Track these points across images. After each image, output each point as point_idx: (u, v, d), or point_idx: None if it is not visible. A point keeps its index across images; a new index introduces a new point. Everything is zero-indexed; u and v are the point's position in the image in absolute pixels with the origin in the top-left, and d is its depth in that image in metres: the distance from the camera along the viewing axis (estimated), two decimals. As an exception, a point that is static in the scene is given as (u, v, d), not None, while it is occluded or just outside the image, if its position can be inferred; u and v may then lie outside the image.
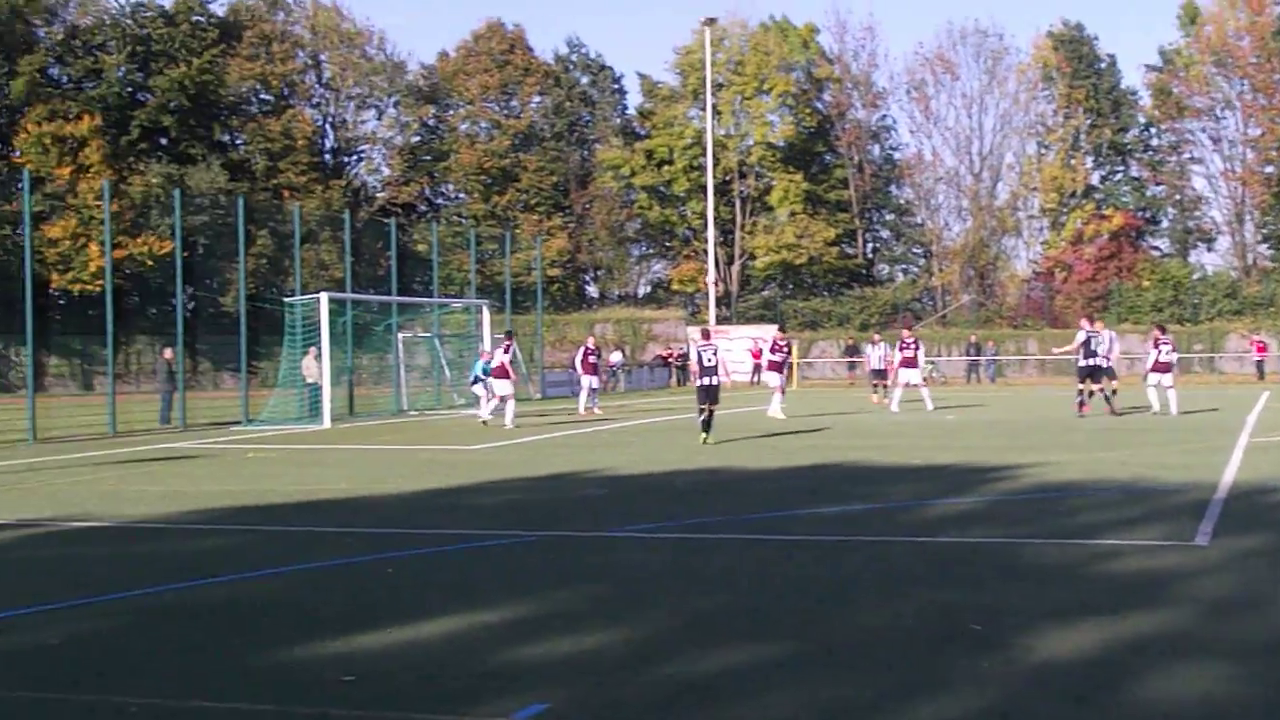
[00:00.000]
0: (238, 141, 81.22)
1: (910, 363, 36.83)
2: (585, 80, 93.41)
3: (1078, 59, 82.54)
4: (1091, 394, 32.27)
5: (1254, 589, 10.03)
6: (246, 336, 38.57)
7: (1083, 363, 32.18)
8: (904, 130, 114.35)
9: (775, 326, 40.89)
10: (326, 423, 33.93)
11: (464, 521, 14.56)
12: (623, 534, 13.22)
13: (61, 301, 71.78)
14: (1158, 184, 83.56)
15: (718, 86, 77.69)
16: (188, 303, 62.96)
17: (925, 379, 37.33)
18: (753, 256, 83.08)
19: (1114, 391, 32.91)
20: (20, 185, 40.89)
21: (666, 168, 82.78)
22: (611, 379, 57.53)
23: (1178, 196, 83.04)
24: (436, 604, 9.71)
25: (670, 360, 68.31)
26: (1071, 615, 8.87)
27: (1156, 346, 32.40)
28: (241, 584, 10.83)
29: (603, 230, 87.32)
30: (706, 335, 27.79)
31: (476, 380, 35.93)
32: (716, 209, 73.52)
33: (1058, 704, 6.92)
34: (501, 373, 31.94)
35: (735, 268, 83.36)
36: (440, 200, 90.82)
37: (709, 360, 25.48)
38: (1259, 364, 62.81)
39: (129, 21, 77.67)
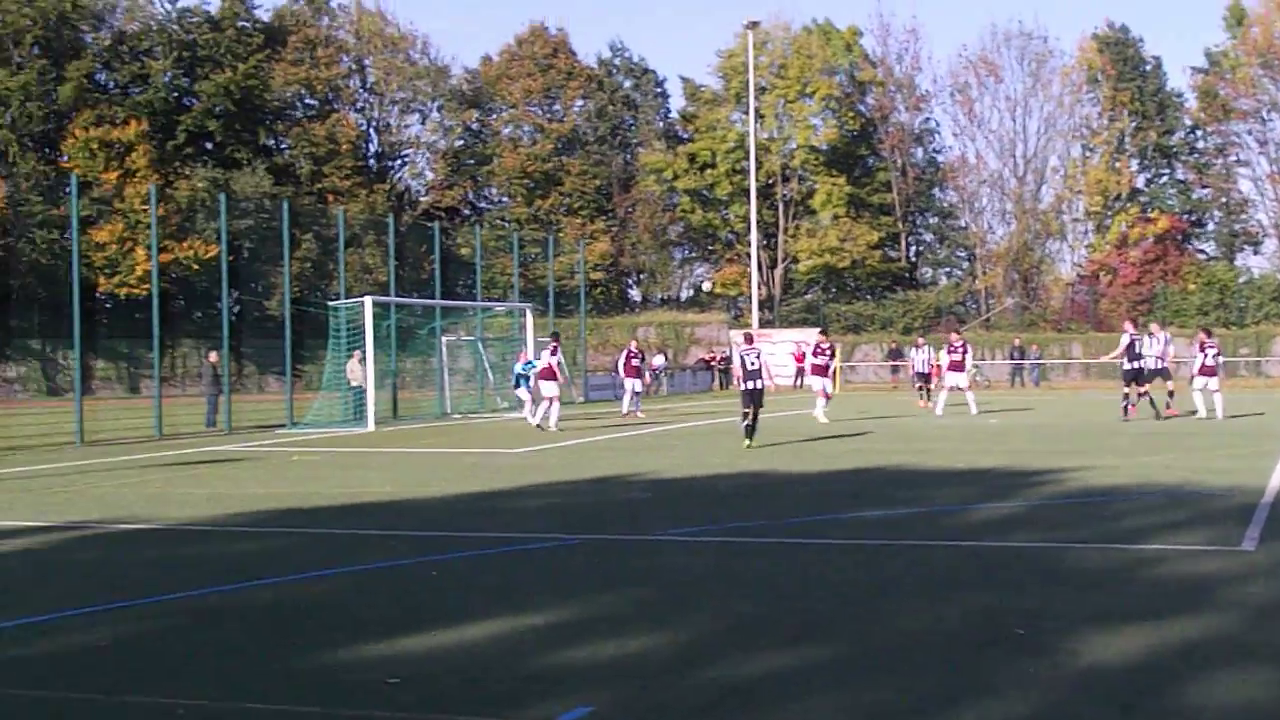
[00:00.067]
0: (282, 146, 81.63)
1: (958, 366, 36.70)
2: (628, 84, 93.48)
3: (1123, 61, 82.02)
4: (1140, 396, 32.11)
5: (1301, 595, 9.96)
6: (291, 340, 38.72)
7: (1127, 366, 32.03)
8: (947, 133, 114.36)
9: (818, 330, 40.79)
10: (370, 426, 34.03)
11: (507, 525, 14.58)
12: (666, 537, 13.22)
13: (108, 305, 72.27)
14: (1203, 187, 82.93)
15: (761, 90, 77.60)
16: (233, 306, 63.26)
17: (971, 383, 37.17)
18: (795, 260, 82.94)
19: (1170, 394, 32.76)
20: (68, 190, 41.23)
21: (709, 171, 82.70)
22: (655, 382, 57.53)
23: (1224, 199, 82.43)
24: (480, 607, 9.73)
25: (713, 364, 68.29)
26: (1116, 620, 8.82)
27: (1202, 350, 32.20)
28: (286, 586, 10.89)
29: (645, 234, 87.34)
30: (749, 339, 27.71)
31: (519, 383, 35.99)
32: (759, 212, 73.39)
33: (1103, 710, 6.89)
34: (548, 374, 31.94)
35: (778, 271, 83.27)
36: (483, 204, 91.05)
37: (751, 364, 25.44)
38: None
39: (175, 27, 78.14)
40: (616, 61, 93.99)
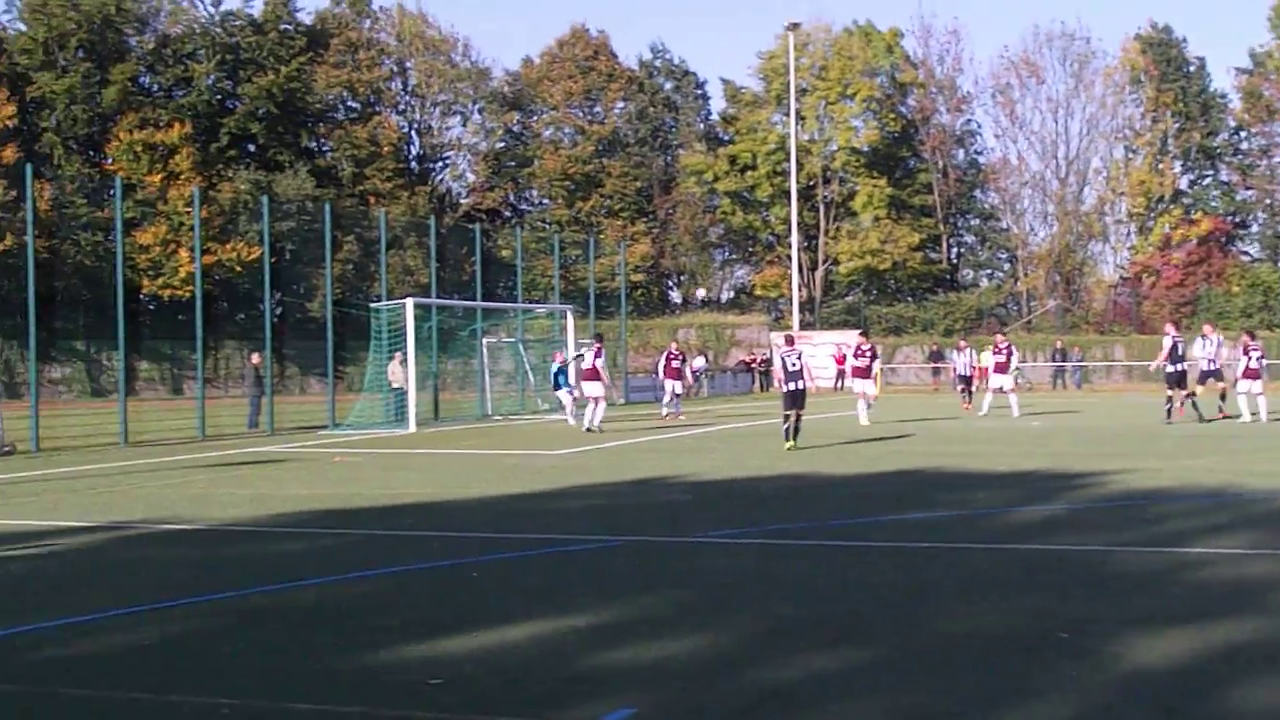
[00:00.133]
0: (324, 148, 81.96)
1: (1002, 367, 36.56)
2: (669, 86, 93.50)
3: (1166, 62, 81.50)
4: (1187, 398, 31.93)
5: (1347, 599, 9.89)
6: (333, 341, 38.84)
7: (1170, 369, 31.84)
8: (989, 134, 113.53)
9: (858, 332, 40.69)
10: (412, 427, 34.11)
11: (549, 526, 14.61)
12: (707, 539, 13.22)
13: (152, 307, 72.64)
14: (1247, 188, 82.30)
15: (801, 91, 77.44)
16: (275, 308, 63.50)
17: (1014, 385, 37.04)
18: (836, 262, 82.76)
19: (1223, 396, 32.61)
20: (113, 192, 41.54)
21: (750, 173, 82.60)
22: (695, 384, 57.51)
23: (1268, 201, 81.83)
24: (521, 608, 9.74)
25: (753, 365, 68.22)
26: (1160, 624, 8.78)
27: (1246, 353, 32.01)
28: (329, 587, 10.93)
29: (686, 235, 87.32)
30: (790, 341, 27.68)
31: (558, 384, 36.04)
32: (800, 214, 73.22)
33: (1147, 713, 6.86)
34: (592, 375, 31.94)
35: (819, 273, 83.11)
36: (524, 206, 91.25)
37: (793, 365, 25.42)
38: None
39: (218, 30, 78.59)
40: (657, 63, 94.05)
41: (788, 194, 72.82)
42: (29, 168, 30.76)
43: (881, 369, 38.21)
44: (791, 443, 24.74)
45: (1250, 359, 31.82)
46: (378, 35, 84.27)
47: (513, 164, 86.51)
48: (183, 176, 70.24)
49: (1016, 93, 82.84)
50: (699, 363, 61.57)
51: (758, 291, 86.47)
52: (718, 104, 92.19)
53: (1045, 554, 12.07)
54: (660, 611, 9.65)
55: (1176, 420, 30.97)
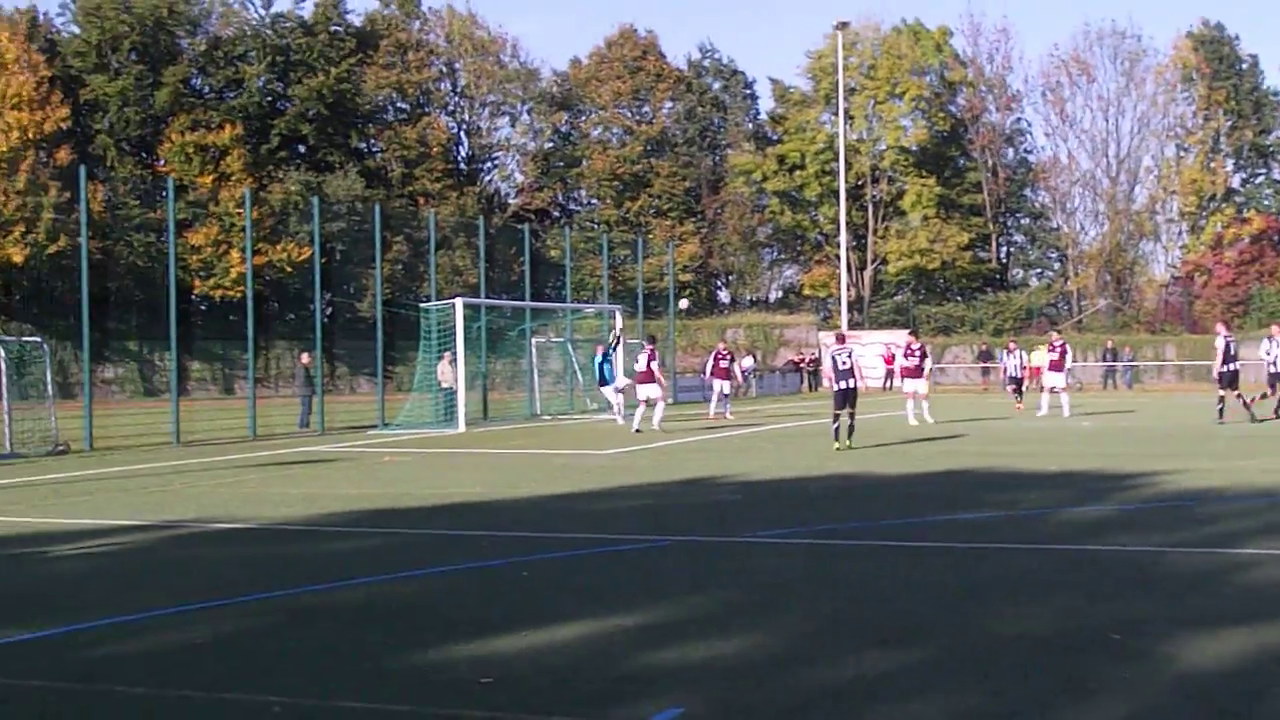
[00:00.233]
0: (374, 149, 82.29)
1: (1056, 366, 36.33)
2: (717, 85, 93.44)
3: (1218, 59, 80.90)
4: (1241, 399, 31.66)
5: (1403, 601, 9.79)
6: (383, 341, 38.99)
7: (1223, 369, 31.57)
8: (1039, 133, 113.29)
9: (907, 331, 40.53)
10: (461, 427, 34.19)
11: (598, 526, 14.62)
12: (756, 539, 13.21)
13: (203, 307, 73.17)
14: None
15: (850, 91, 77.27)
16: (325, 308, 63.85)
17: (1065, 384, 36.83)
18: (885, 261, 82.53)
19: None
20: (165, 193, 41.77)
21: (798, 172, 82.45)
22: (744, 384, 57.46)
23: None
24: (571, 608, 9.76)
25: (802, 365, 68.09)
26: (1212, 625, 8.71)
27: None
28: (378, 586, 10.97)
29: (734, 235, 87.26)
30: (841, 339, 27.61)
31: (603, 380, 36.07)
32: (849, 214, 73.05)
33: (1200, 715, 6.82)
34: (647, 377, 31.87)
35: (867, 273, 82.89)
36: (573, 206, 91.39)
37: (843, 364, 25.34)
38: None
39: (269, 32, 79.05)
40: (706, 63, 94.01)
41: (836, 193, 72.66)
42: (83, 169, 31.02)
43: (932, 368, 37.97)
44: (839, 443, 24.68)
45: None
46: (427, 36, 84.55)
47: (561, 164, 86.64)
48: (234, 178, 70.70)
49: (1067, 91, 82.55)
50: (748, 363, 61.49)
51: (806, 291, 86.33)
52: (766, 103, 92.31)
53: (1096, 555, 11.99)
54: (709, 611, 9.64)
55: (1228, 420, 30.72)
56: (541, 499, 17.40)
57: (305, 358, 39.61)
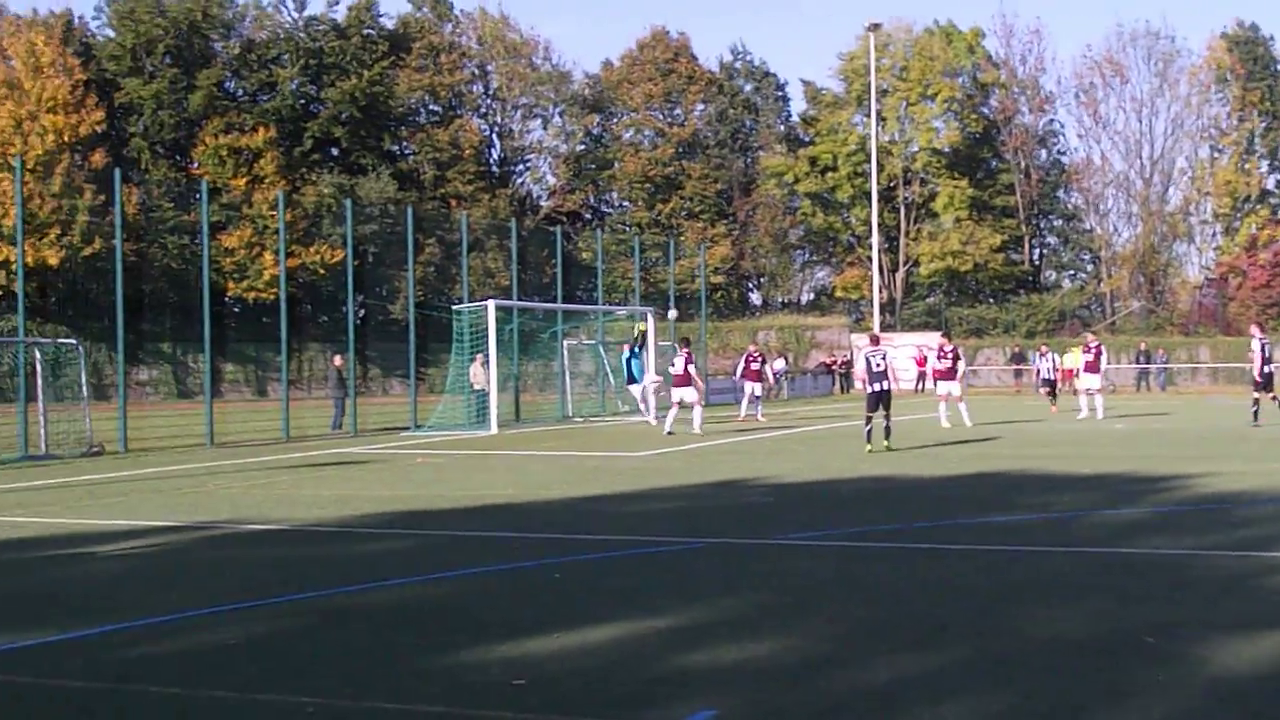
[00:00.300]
0: (407, 152, 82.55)
1: (1092, 367, 36.19)
2: (748, 87, 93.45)
3: (1253, 60, 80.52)
4: (1275, 400, 31.51)
5: None
6: (415, 344, 39.09)
7: (1261, 370, 31.40)
8: (1072, 135, 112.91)
9: (939, 333, 40.40)
10: (493, 429, 34.23)
11: (630, 528, 14.61)
12: (788, 541, 13.18)
13: (237, 309, 73.53)
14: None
15: (882, 92, 77.14)
16: (358, 310, 64.07)
17: (1100, 386, 36.69)
18: (917, 263, 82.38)
19: None
20: (198, 196, 41.99)
21: (830, 174, 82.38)
22: (775, 386, 57.40)
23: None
24: (604, 609, 9.75)
25: (834, 367, 68.00)
26: (1246, 628, 8.66)
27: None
28: (411, 587, 10.98)
29: (766, 237, 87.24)
30: (875, 340, 27.50)
31: (631, 378, 36.08)
32: (881, 215, 72.93)
33: (1235, 719, 6.78)
34: (683, 380, 31.84)
35: (899, 274, 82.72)
36: (605, 208, 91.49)
37: (877, 365, 25.27)
38: None
39: (302, 35, 79.38)
40: (737, 65, 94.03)
41: (868, 195, 72.57)
42: (117, 172, 31.20)
43: (966, 370, 37.88)
44: (872, 445, 24.64)
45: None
46: (459, 39, 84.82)
47: (593, 166, 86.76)
48: (267, 180, 71.03)
49: (1100, 92, 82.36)
50: (779, 364, 61.43)
51: (838, 293, 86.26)
52: (798, 105, 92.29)
53: (1129, 557, 11.93)
54: (742, 613, 9.62)
55: (1264, 423, 30.54)
56: (574, 501, 17.40)
57: (338, 360, 39.72)
